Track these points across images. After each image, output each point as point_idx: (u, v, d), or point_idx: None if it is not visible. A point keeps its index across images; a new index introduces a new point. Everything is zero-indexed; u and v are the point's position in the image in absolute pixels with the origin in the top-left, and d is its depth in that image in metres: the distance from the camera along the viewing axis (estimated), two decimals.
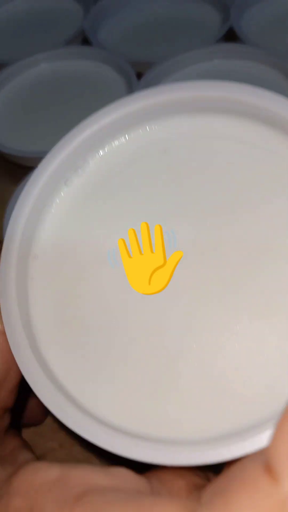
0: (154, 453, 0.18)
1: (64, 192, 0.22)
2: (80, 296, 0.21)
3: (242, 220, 0.21)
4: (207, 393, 0.19)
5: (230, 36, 0.50)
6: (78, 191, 0.22)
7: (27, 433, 0.27)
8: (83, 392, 0.20)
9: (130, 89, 0.46)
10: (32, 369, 0.19)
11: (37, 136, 0.48)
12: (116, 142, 0.23)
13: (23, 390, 0.22)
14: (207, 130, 0.22)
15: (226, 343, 0.19)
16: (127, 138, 0.22)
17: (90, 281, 0.21)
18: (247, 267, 0.20)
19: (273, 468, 0.14)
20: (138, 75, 0.47)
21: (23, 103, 0.51)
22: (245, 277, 0.20)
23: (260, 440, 0.17)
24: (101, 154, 0.23)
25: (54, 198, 0.22)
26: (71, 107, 0.49)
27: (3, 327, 0.20)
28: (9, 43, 0.58)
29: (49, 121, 0.48)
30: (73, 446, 0.30)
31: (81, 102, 0.49)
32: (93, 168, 0.22)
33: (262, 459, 0.15)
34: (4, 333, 0.20)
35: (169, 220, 0.21)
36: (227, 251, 0.20)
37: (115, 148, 0.22)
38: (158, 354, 0.20)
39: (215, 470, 0.19)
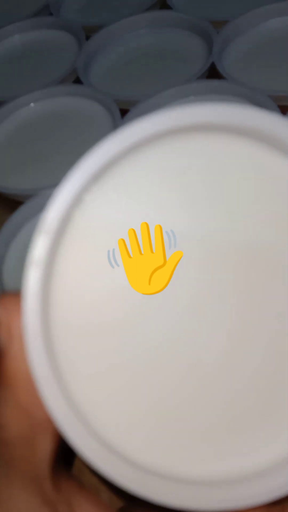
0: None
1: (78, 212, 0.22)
2: (103, 329, 0.21)
3: (244, 221, 0.21)
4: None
5: (213, 68, 0.51)
6: (92, 209, 0.22)
7: None
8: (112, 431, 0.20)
9: (115, 125, 0.48)
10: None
11: (30, 173, 0.49)
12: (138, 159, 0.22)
13: None
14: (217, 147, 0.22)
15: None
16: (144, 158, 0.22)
17: (112, 313, 0.21)
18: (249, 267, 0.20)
19: None
20: (125, 111, 0.49)
21: (14, 143, 0.52)
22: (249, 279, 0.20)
23: None
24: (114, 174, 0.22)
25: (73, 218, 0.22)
26: (60, 144, 0.51)
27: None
28: (3, 80, 0.61)
29: (39, 159, 0.50)
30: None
31: (70, 139, 0.51)
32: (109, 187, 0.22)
33: None
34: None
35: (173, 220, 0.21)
36: (228, 250, 0.21)
37: (136, 163, 0.22)
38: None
39: None
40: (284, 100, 0.46)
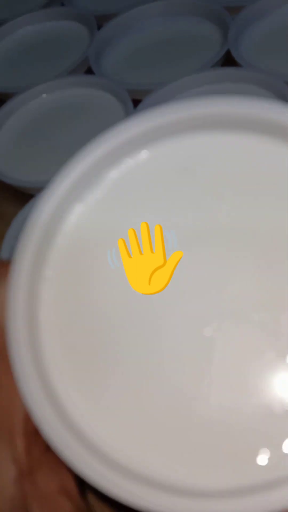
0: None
1: (78, 210, 0.22)
2: (95, 322, 0.20)
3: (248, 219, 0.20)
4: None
5: (229, 55, 0.50)
6: (92, 209, 0.22)
7: None
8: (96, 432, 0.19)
9: (127, 116, 0.47)
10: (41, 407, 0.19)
11: (41, 165, 0.49)
12: (133, 159, 0.22)
13: None
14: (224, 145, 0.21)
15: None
16: (143, 156, 0.22)
17: (102, 304, 0.20)
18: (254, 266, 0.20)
19: None
20: (138, 101, 0.48)
21: (26, 134, 0.51)
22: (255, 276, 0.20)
23: None
24: (116, 171, 0.22)
25: (67, 216, 0.22)
26: (72, 136, 0.50)
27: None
28: (16, 71, 0.60)
29: (51, 150, 0.49)
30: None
31: (82, 130, 0.50)
32: (110, 184, 0.22)
33: None
34: None
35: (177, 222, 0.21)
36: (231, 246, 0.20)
37: (131, 165, 0.22)
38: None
39: None
40: None
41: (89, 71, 0.55)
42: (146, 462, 0.18)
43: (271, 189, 0.21)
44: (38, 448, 0.22)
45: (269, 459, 0.18)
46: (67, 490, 0.22)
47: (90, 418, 0.19)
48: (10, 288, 0.20)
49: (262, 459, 0.18)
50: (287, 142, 0.21)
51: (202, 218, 0.21)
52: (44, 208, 0.21)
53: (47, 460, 0.22)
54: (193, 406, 0.19)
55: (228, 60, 0.51)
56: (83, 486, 0.25)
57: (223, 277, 0.20)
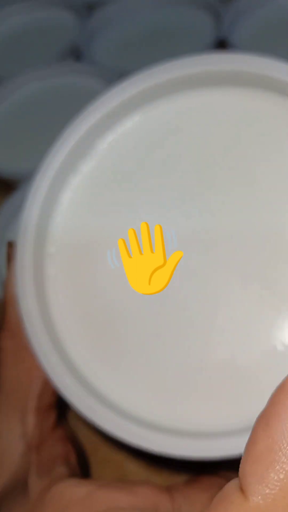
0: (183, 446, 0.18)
1: (74, 182, 0.22)
2: (101, 292, 0.21)
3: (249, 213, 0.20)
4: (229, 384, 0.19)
5: (222, 45, 0.49)
6: (88, 180, 0.21)
7: None
8: (110, 388, 0.20)
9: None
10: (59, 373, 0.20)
11: (30, 154, 0.47)
12: (126, 124, 0.22)
13: None
14: (217, 104, 0.21)
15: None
16: (135, 119, 0.22)
17: (107, 275, 0.21)
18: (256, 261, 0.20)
19: (243, 486, 0.14)
20: None
21: (14, 123, 0.50)
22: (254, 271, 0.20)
23: None
24: (110, 138, 0.22)
25: (64, 190, 0.22)
26: (62, 124, 0.48)
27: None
28: (5, 60, 0.58)
29: (40, 139, 0.47)
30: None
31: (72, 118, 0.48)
32: (103, 153, 0.22)
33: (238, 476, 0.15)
34: None
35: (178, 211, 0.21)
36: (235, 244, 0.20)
37: (124, 130, 0.22)
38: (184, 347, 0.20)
39: None
40: None
41: (79, 60, 0.53)
42: (153, 410, 0.20)
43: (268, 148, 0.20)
44: (48, 424, 0.23)
45: None
46: (67, 459, 0.23)
47: (108, 380, 0.20)
48: (17, 267, 0.20)
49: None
50: (282, 96, 0.20)
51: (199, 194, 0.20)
52: (41, 184, 0.21)
53: (54, 435, 0.23)
54: (202, 358, 0.20)
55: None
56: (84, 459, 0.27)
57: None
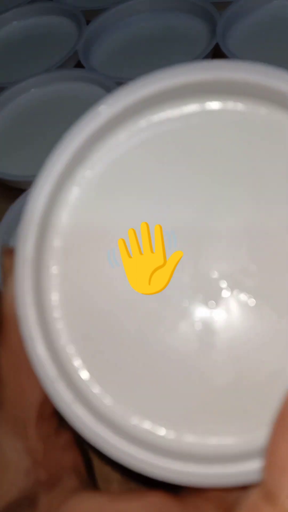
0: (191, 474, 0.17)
1: (75, 192, 0.21)
2: (105, 297, 0.20)
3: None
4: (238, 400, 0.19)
5: (218, 50, 0.50)
6: (88, 190, 0.21)
7: None
8: (114, 411, 0.19)
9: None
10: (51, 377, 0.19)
11: (31, 160, 0.48)
12: (132, 128, 0.21)
13: None
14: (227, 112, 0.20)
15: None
16: (142, 124, 0.21)
17: (112, 277, 0.20)
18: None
19: (269, 494, 0.14)
20: None
21: (16, 129, 0.50)
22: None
23: None
24: (117, 140, 0.21)
25: (69, 191, 0.21)
26: (62, 130, 0.48)
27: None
28: (4, 67, 0.59)
29: (41, 145, 0.48)
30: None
31: (72, 125, 0.49)
32: (108, 158, 0.21)
33: (261, 486, 0.15)
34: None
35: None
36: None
37: (132, 133, 0.21)
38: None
39: None
40: None
41: (78, 66, 0.54)
42: (158, 430, 0.19)
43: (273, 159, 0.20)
44: (50, 432, 0.22)
45: None
46: (76, 467, 0.22)
47: (107, 395, 0.19)
48: (17, 279, 0.19)
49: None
50: (285, 108, 0.20)
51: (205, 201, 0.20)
52: (42, 191, 0.20)
53: (58, 440, 0.22)
54: (203, 373, 0.19)
55: (216, 56, 0.51)
56: (91, 464, 0.26)
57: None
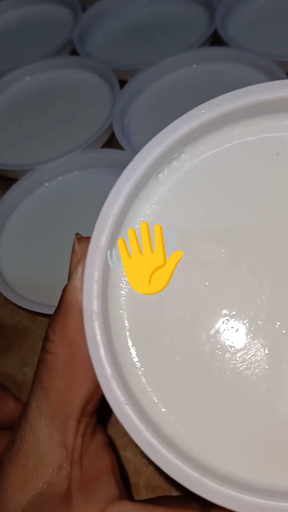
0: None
1: (153, 192, 0.20)
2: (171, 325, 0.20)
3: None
4: None
5: (216, 37, 0.48)
6: (169, 190, 0.20)
7: None
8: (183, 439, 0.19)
9: (114, 97, 0.45)
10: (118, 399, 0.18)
11: (25, 149, 0.46)
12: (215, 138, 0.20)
13: None
14: None
15: None
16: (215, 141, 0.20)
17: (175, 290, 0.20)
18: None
19: None
20: (125, 81, 0.46)
21: (9, 117, 0.49)
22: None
23: None
24: (199, 149, 0.20)
25: (144, 198, 0.20)
26: (57, 118, 0.48)
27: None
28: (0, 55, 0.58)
29: (35, 133, 0.47)
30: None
31: (67, 112, 0.48)
32: (188, 167, 0.20)
33: None
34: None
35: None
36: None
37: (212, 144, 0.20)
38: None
39: None
40: None
41: (74, 54, 0.53)
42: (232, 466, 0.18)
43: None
44: (89, 431, 0.22)
45: None
46: (113, 472, 0.22)
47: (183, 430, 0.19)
48: (87, 273, 0.19)
49: None
50: None
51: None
52: (125, 185, 0.19)
53: (95, 441, 0.22)
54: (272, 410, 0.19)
55: (215, 42, 0.49)
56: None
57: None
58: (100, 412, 0.23)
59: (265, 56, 0.43)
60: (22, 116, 0.49)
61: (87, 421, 0.22)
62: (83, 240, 0.20)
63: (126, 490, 0.23)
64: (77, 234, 0.21)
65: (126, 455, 0.30)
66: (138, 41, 0.53)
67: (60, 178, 0.43)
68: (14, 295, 0.35)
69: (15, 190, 0.41)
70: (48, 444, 0.21)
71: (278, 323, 0.19)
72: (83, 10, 0.56)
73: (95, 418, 0.23)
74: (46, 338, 0.21)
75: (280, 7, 0.51)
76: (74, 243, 0.20)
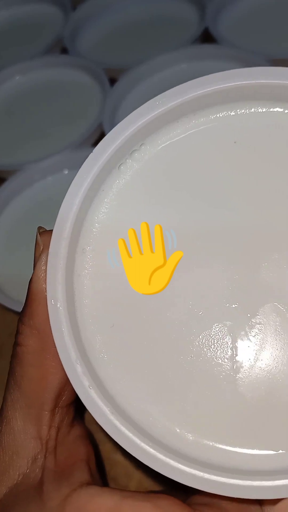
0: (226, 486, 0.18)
1: (116, 183, 0.20)
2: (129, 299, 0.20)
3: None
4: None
5: (207, 35, 0.48)
6: (130, 181, 0.20)
7: None
8: (140, 412, 0.19)
9: (104, 95, 0.45)
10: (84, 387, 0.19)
11: (14, 148, 0.46)
12: (177, 129, 0.20)
13: None
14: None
15: None
16: (190, 123, 0.20)
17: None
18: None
19: None
20: (115, 80, 0.46)
21: (0, 116, 0.48)
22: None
23: None
24: (160, 141, 0.20)
25: (107, 189, 0.20)
26: (48, 117, 0.47)
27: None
28: None
29: (25, 133, 0.46)
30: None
31: (58, 111, 0.47)
32: (149, 156, 0.20)
33: None
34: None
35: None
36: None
37: (174, 135, 0.20)
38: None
39: None
40: (282, 63, 0.43)
41: (64, 53, 0.52)
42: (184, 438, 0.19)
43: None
44: (65, 423, 0.22)
45: None
46: (87, 462, 0.22)
47: (143, 409, 0.19)
48: (50, 263, 0.19)
49: None
50: None
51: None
52: (86, 178, 0.19)
53: (72, 433, 0.22)
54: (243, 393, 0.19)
55: (206, 40, 0.49)
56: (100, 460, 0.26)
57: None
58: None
59: (256, 54, 0.43)
60: (11, 115, 0.48)
61: (62, 412, 0.22)
62: (46, 232, 0.20)
63: (103, 483, 0.23)
64: (39, 227, 0.21)
65: (117, 457, 0.30)
66: (129, 39, 0.52)
67: (49, 177, 0.42)
68: (5, 297, 0.34)
69: (3, 190, 0.41)
70: (23, 435, 0.21)
71: (242, 308, 0.19)
72: (74, 9, 0.55)
73: (72, 410, 0.23)
74: (16, 332, 0.21)
75: (270, 5, 0.51)
76: (36, 236, 0.20)
